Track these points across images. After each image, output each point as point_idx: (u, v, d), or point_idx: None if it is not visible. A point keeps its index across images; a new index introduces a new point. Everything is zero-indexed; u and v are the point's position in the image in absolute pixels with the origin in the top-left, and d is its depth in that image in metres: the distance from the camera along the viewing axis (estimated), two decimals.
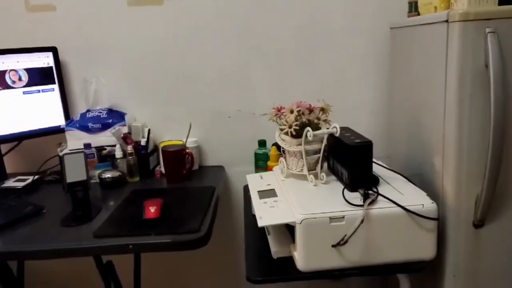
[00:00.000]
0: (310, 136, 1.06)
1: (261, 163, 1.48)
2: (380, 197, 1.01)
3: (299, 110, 1.11)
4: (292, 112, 1.11)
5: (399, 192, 1.04)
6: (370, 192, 1.00)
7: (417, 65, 1.18)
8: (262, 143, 1.49)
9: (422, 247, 1.00)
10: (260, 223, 0.97)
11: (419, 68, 1.17)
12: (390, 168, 1.20)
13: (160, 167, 1.53)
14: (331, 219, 0.96)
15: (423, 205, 0.98)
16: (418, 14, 1.24)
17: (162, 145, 1.50)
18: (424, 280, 1.11)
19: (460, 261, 1.02)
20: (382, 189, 1.05)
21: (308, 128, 1.06)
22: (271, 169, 1.35)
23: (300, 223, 0.95)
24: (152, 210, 1.12)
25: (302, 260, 0.98)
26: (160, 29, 1.54)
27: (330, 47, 1.55)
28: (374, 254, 0.98)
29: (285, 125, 1.12)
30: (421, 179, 1.15)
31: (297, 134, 1.11)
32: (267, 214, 1.01)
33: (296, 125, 1.10)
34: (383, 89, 1.56)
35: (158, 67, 1.57)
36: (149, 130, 1.53)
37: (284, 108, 1.15)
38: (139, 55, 1.56)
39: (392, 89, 1.44)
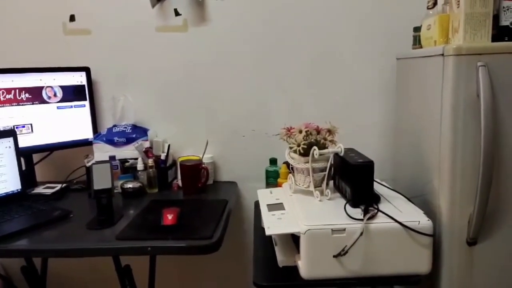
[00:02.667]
0: (316, 155, 1.16)
1: (272, 179, 1.58)
2: (379, 213, 1.09)
3: (307, 131, 1.21)
4: (301, 132, 1.21)
5: (398, 210, 1.12)
6: (370, 208, 1.09)
7: (418, 94, 1.28)
8: (273, 161, 1.59)
9: (418, 262, 1.07)
10: (268, 232, 1.06)
11: (419, 96, 1.26)
12: (392, 188, 1.29)
13: (177, 180, 1.64)
14: (333, 230, 1.04)
15: (419, 221, 1.06)
16: (421, 47, 1.35)
17: (180, 159, 1.61)
18: None
19: (454, 277, 1.09)
20: (382, 206, 1.13)
21: (315, 147, 1.16)
22: (280, 186, 1.45)
23: (304, 233, 1.04)
24: (169, 217, 1.22)
25: (305, 268, 1.06)
26: (184, 53, 1.68)
27: (340, 74, 1.66)
28: (372, 266, 1.06)
29: (294, 144, 1.22)
30: (422, 199, 1.22)
31: (305, 153, 1.20)
32: (274, 225, 1.10)
33: (304, 144, 1.20)
34: (389, 114, 1.66)
35: (180, 88, 1.70)
36: (169, 145, 1.64)
37: (293, 128, 1.25)
38: (164, 77, 1.70)
39: (397, 115, 1.54)
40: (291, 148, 1.24)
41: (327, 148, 1.24)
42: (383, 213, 1.08)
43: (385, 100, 1.65)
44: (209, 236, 1.15)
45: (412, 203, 1.18)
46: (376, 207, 1.11)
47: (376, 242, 1.05)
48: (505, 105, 1.02)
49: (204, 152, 1.59)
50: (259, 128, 1.71)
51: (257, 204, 1.61)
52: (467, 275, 1.08)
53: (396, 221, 1.06)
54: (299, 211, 1.14)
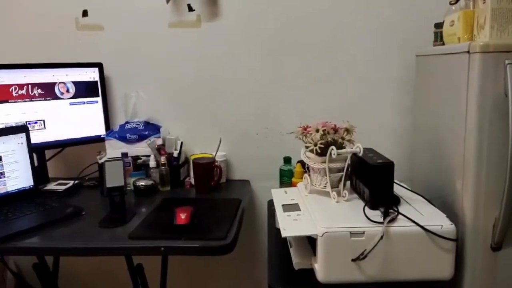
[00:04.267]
0: (334, 155, 1.12)
1: (286, 179, 1.55)
2: (400, 216, 1.05)
3: (325, 130, 1.18)
4: (317, 131, 1.18)
5: (419, 213, 1.08)
6: (390, 210, 1.05)
7: (440, 92, 1.23)
8: (287, 160, 1.56)
9: (440, 267, 1.03)
10: (284, 234, 1.03)
11: (441, 95, 1.22)
12: (412, 190, 1.24)
13: (189, 178, 1.62)
14: (352, 233, 1.01)
15: (442, 225, 1.02)
16: (443, 44, 1.30)
17: (192, 157, 1.59)
18: None
19: (477, 283, 1.05)
20: (402, 208, 1.09)
21: (333, 147, 1.12)
22: (295, 185, 1.41)
23: (322, 236, 1.01)
24: (182, 216, 1.20)
25: (322, 272, 1.02)
26: (197, 50, 1.65)
27: (355, 71, 1.62)
28: (392, 271, 1.02)
29: (310, 143, 1.18)
30: (442, 201, 1.18)
31: (322, 152, 1.17)
32: (290, 226, 1.07)
33: (321, 144, 1.17)
34: (406, 113, 1.61)
35: (193, 84, 1.68)
36: (181, 143, 1.62)
37: (310, 127, 1.22)
38: (177, 73, 1.67)
39: (415, 114, 1.49)
40: (307, 147, 1.20)
41: (344, 147, 1.21)
42: (404, 216, 1.04)
43: (402, 98, 1.61)
44: (223, 237, 1.12)
45: (433, 205, 1.14)
46: (396, 209, 1.07)
47: (396, 246, 1.01)
48: None
49: (217, 150, 1.57)
50: (272, 126, 1.68)
51: (270, 204, 1.58)
52: (491, 281, 1.04)
53: (417, 224, 1.02)
54: (315, 213, 1.10)
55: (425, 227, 1.01)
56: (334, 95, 1.64)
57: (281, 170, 1.56)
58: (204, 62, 1.66)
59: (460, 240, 1.06)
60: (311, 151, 1.18)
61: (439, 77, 1.24)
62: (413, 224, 1.02)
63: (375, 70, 1.61)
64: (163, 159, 1.54)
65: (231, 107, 1.68)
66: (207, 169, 1.52)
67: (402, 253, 1.02)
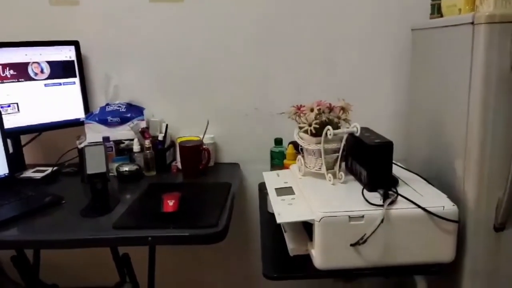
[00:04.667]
0: (330, 135, 1.06)
1: (277, 161, 1.49)
2: (399, 198, 1.00)
3: (319, 109, 1.11)
4: (312, 110, 1.11)
5: (418, 194, 1.04)
6: (390, 192, 1.00)
7: (439, 67, 1.17)
8: (278, 141, 1.49)
9: (441, 250, 0.99)
10: (279, 220, 0.98)
11: (441, 70, 1.16)
12: (409, 169, 1.20)
13: (176, 162, 1.54)
14: (351, 218, 0.96)
15: (443, 207, 0.97)
16: (441, 16, 1.24)
17: (179, 140, 1.51)
18: (442, 283, 1.10)
19: (478, 264, 1.01)
20: (401, 190, 1.05)
21: (329, 127, 1.06)
22: (287, 167, 1.36)
23: (319, 221, 0.96)
24: (170, 203, 1.13)
25: (319, 258, 0.98)
26: (181, 26, 1.55)
27: (349, 47, 1.54)
28: (392, 255, 0.98)
29: (304, 123, 1.12)
30: (441, 181, 1.14)
31: (317, 133, 1.11)
32: (285, 211, 1.01)
33: (316, 124, 1.10)
34: (402, 90, 1.55)
35: (177, 63, 1.58)
36: (166, 125, 1.54)
37: (304, 106, 1.15)
38: (160, 51, 1.58)
39: (411, 91, 1.44)
40: (301, 128, 1.14)
41: (340, 127, 1.15)
42: (404, 197, 1.00)
43: (398, 75, 1.55)
44: (214, 224, 1.06)
45: (432, 185, 1.10)
46: (395, 191, 1.02)
47: (396, 230, 0.97)
48: None
49: (205, 133, 1.49)
50: (262, 107, 1.60)
51: (261, 187, 1.52)
52: (493, 262, 1.01)
53: (419, 206, 0.97)
54: (311, 196, 1.05)
55: (427, 208, 0.97)
56: (327, 74, 1.57)
57: (272, 152, 1.49)
58: (190, 39, 1.56)
59: (461, 222, 1.02)
60: (305, 131, 1.12)
61: (438, 52, 1.18)
62: (414, 206, 0.98)
63: (369, 47, 1.54)
64: (147, 143, 1.46)
65: (219, 87, 1.60)
66: (195, 152, 1.45)
67: (402, 236, 0.97)
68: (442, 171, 1.16)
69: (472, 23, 0.95)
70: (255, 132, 1.62)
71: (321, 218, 0.95)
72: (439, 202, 0.99)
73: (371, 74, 1.56)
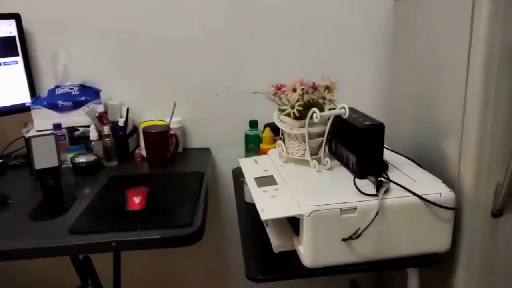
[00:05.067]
0: (317, 118, 0.95)
1: (252, 145, 1.37)
2: (393, 185, 0.91)
3: (303, 89, 0.99)
4: (294, 90, 0.99)
5: (411, 179, 0.95)
6: (383, 180, 0.91)
7: (429, 40, 1.08)
8: (253, 124, 1.37)
9: (437, 239, 0.92)
10: (264, 216, 0.86)
11: (430, 44, 1.07)
12: (397, 151, 1.11)
13: (140, 150, 1.39)
14: (342, 210, 0.86)
15: (440, 193, 0.89)
16: None
17: (142, 125, 1.35)
18: (434, 273, 1.04)
19: (475, 253, 0.95)
20: (392, 175, 0.96)
21: (315, 109, 0.95)
22: (264, 152, 1.24)
23: (309, 216, 0.85)
24: (136, 200, 0.99)
25: (309, 255, 0.88)
26: None
27: (327, 19, 1.42)
28: (386, 248, 0.90)
29: (286, 105, 1.00)
30: (430, 165, 1.06)
31: (300, 116, 0.99)
32: (269, 206, 0.90)
33: (299, 105, 0.98)
34: (385, 66, 1.45)
35: (137, 38, 1.41)
36: (127, 109, 1.37)
37: (285, 86, 1.03)
38: (116, 24, 1.39)
39: (395, 67, 1.34)
40: (282, 110, 1.02)
41: (323, 109, 1.03)
42: (399, 185, 0.91)
43: (379, 50, 1.45)
44: (188, 223, 0.93)
45: (423, 169, 1.02)
46: (387, 177, 0.93)
47: (391, 221, 0.88)
48: None
49: (172, 116, 1.34)
50: (234, 86, 1.46)
51: (236, 173, 1.41)
52: (490, 249, 0.95)
53: (415, 194, 0.89)
54: (296, 186, 0.94)
55: (423, 196, 0.88)
56: (304, 49, 1.44)
57: (246, 136, 1.37)
58: (151, 11, 1.38)
59: (457, 208, 0.95)
60: (288, 114, 1.00)
61: (426, 24, 1.08)
62: (409, 194, 0.89)
63: (348, 20, 1.42)
64: (106, 129, 1.30)
65: (186, 64, 1.44)
66: (161, 138, 1.30)
67: (397, 227, 0.89)
68: (432, 154, 1.09)
69: None
70: (226, 113, 1.48)
71: (311, 212, 0.85)
72: (435, 188, 0.91)
73: (350, 48, 1.45)
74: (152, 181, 1.16)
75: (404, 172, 0.99)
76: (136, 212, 0.97)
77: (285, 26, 1.42)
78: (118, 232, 0.90)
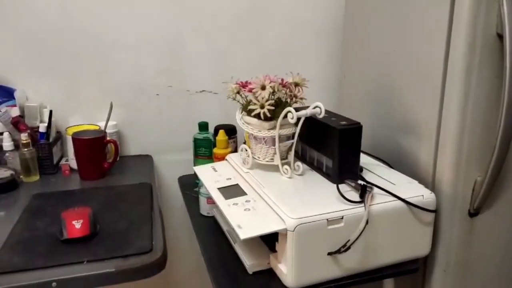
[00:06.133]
0: (293, 118, 0.84)
1: (203, 150, 1.22)
2: (375, 190, 0.85)
3: (273, 86, 0.88)
4: (264, 88, 0.88)
5: (389, 182, 0.90)
6: (367, 184, 0.84)
7: (391, 34, 1.03)
8: (203, 127, 1.22)
9: (419, 244, 0.88)
10: (243, 235, 0.74)
11: (394, 37, 1.02)
12: (366, 152, 1.06)
13: (68, 160, 1.18)
14: (329, 221, 0.77)
15: (423, 196, 0.85)
16: None
17: (70, 131, 1.14)
18: (409, 279, 1.00)
19: (452, 253, 0.92)
20: (369, 179, 0.90)
21: (290, 108, 0.85)
22: (219, 158, 1.11)
23: (294, 230, 0.74)
24: (77, 225, 0.80)
25: (293, 275, 0.77)
26: None
27: (275, 13, 1.33)
28: (372, 257, 0.83)
29: (255, 104, 0.88)
30: (395, 163, 1.02)
31: (271, 116, 0.88)
32: (245, 221, 0.78)
33: (269, 105, 0.87)
34: (336, 62, 1.40)
35: (60, 27, 1.18)
36: (50, 112, 1.15)
37: (250, 83, 0.91)
38: (33, 11, 1.15)
39: (346, 63, 1.29)
40: (249, 111, 0.90)
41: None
42: (383, 189, 0.84)
43: (330, 45, 1.39)
44: (148, 248, 0.77)
45: (395, 170, 0.97)
46: (369, 182, 0.86)
47: (377, 228, 0.81)
48: None
49: (108, 119, 1.15)
50: (177, 84, 1.30)
51: (183, 183, 1.26)
52: (467, 250, 0.93)
53: (399, 198, 0.83)
54: (270, 196, 0.83)
55: (407, 200, 0.83)
56: (251, 43, 1.33)
57: (195, 140, 1.22)
58: None
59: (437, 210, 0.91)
60: (257, 115, 0.88)
61: (387, 14, 1.04)
62: (393, 199, 0.83)
63: (296, 11, 1.34)
64: (24, 137, 1.07)
65: (120, 59, 1.25)
66: (96, 146, 1.10)
67: (383, 234, 0.83)
68: (398, 152, 1.05)
69: None
70: (169, 115, 1.32)
71: (296, 226, 0.74)
72: (416, 191, 0.86)
73: (300, 43, 1.38)
74: (89, 198, 0.97)
75: (378, 174, 0.94)
76: (78, 240, 0.78)
77: (231, 20, 1.30)
78: (59, 267, 0.71)
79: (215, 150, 1.17)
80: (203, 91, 1.30)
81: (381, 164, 1.01)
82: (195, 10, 1.26)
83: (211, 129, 1.24)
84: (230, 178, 0.96)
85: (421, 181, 0.92)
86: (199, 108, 1.32)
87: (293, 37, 1.36)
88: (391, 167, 0.99)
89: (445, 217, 0.91)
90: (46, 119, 1.15)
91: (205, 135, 1.23)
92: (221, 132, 1.16)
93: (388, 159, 1.03)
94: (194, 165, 1.16)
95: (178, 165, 1.32)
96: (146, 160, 1.29)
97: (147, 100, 1.29)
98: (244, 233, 0.74)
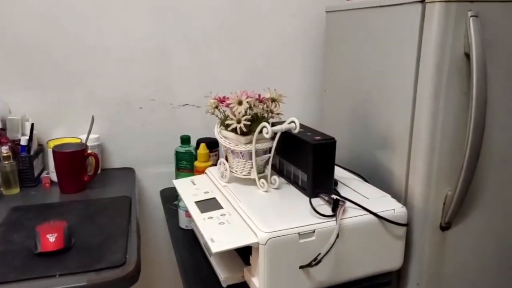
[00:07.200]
0: (267, 133, 0.86)
1: (185, 163, 1.24)
2: (347, 204, 0.86)
3: (249, 101, 0.90)
4: (240, 103, 0.90)
5: (362, 196, 0.91)
6: (339, 198, 0.85)
7: (367, 53, 1.06)
8: (185, 140, 1.24)
9: (391, 257, 0.89)
10: (215, 248, 0.75)
11: (370, 56, 1.05)
12: (342, 166, 1.08)
13: (48, 173, 1.18)
14: (300, 235, 0.78)
15: (394, 209, 0.87)
16: None
17: (51, 144, 1.15)
18: None
19: (424, 267, 0.94)
20: (343, 192, 0.92)
21: (265, 124, 0.86)
22: (200, 171, 1.12)
23: (265, 244, 0.76)
24: (51, 239, 0.80)
25: None
26: None
27: (259, 29, 1.36)
28: (343, 271, 0.84)
29: (232, 119, 0.90)
30: (371, 177, 1.04)
31: (248, 131, 0.90)
32: (219, 235, 0.79)
33: (246, 120, 0.89)
34: (317, 78, 1.43)
35: (45, 41, 1.20)
36: (32, 125, 1.15)
37: (227, 98, 0.93)
38: (17, 22, 1.17)
39: (327, 79, 1.32)
40: (227, 125, 0.92)
41: (269, 123, 0.96)
42: (355, 203, 0.86)
43: (313, 61, 1.42)
44: (121, 261, 0.78)
45: (369, 183, 0.99)
46: (341, 196, 0.88)
47: (348, 242, 0.83)
48: (498, 65, 0.86)
49: (89, 132, 1.16)
50: (160, 97, 1.32)
51: (165, 196, 1.26)
52: (439, 263, 0.95)
53: (371, 212, 0.84)
54: (245, 210, 0.84)
55: (378, 214, 0.85)
56: (235, 59, 1.36)
57: (177, 153, 1.23)
58: (62, 6, 1.19)
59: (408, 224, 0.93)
60: (234, 130, 0.90)
61: (364, 36, 1.07)
62: (365, 212, 0.85)
63: (280, 30, 1.37)
64: (5, 150, 1.07)
65: (102, 71, 1.26)
66: (77, 159, 1.11)
67: (354, 248, 0.84)
68: (372, 167, 1.07)
69: (422, 1, 0.84)
70: (152, 128, 1.33)
71: (268, 240, 0.76)
72: (388, 205, 0.88)
73: (282, 59, 1.40)
74: (68, 211, 0.97)
75: (352, 188, 0.96)
76: (51, 254, 0.78)
77: (216, 35, 1.32)
78: (31, 281, 0.71)
79: (196, 163, 1.18)
80: (186, 104, 1.32)
81: (357, 178, 1.02)
82: (181, 24, 1.28)
83: (193, 143, 1.25)
84: (208, 192, 0.97)
85: (395, 195, 0.94)
86: (182, 121, 1.33)
87: (277, 52, 1.39)
88: (366, 181, 1.01)
89: (417, 231, 0.93)
90: (28, 132, 1.15)
91: (187, 148, 1.24)
92: (202, 145, 1.17)
93: (365, 173, 1.05)
94: (176, 178, 1.18)
95: (161, 178, 1.33)
96: (128, 173, 1.30)
97: (130, 113, 1.30)
98: (216, 247, 0.75)
